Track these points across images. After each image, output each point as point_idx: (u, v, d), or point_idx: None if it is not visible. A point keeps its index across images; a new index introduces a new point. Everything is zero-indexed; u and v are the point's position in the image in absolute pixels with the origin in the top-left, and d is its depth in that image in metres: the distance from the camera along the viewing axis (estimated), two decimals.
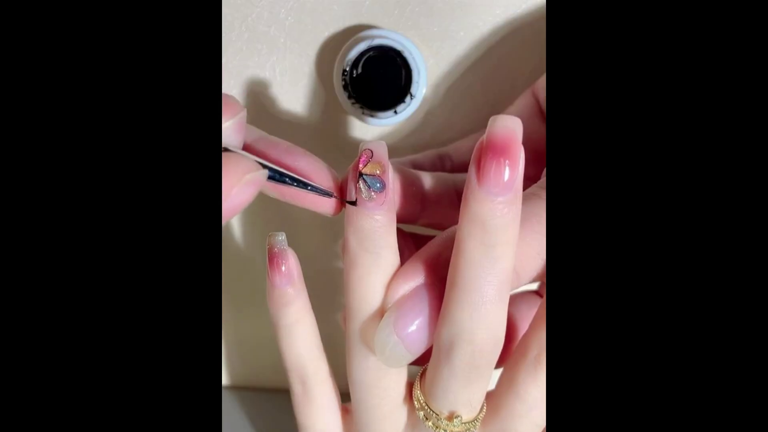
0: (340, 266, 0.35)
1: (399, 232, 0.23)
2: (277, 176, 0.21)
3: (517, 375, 0.23)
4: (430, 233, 0.26)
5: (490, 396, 0.24)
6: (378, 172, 0.21)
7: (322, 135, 0.32)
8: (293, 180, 0.22)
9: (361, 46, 0.28)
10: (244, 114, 0.21)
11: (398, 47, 0.28)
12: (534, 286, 0.31)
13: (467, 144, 0.30)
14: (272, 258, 0.25)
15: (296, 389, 0.27)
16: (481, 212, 0.20)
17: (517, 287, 0.22)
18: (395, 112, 0.29)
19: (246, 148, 0.22)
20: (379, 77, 0.29)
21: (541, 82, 0.28)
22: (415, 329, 0.22)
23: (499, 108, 0.31)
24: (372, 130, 0.32)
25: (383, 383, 0.24)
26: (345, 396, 0.27)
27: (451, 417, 0.23)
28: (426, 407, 0.24)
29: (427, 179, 0.26)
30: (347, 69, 0.29)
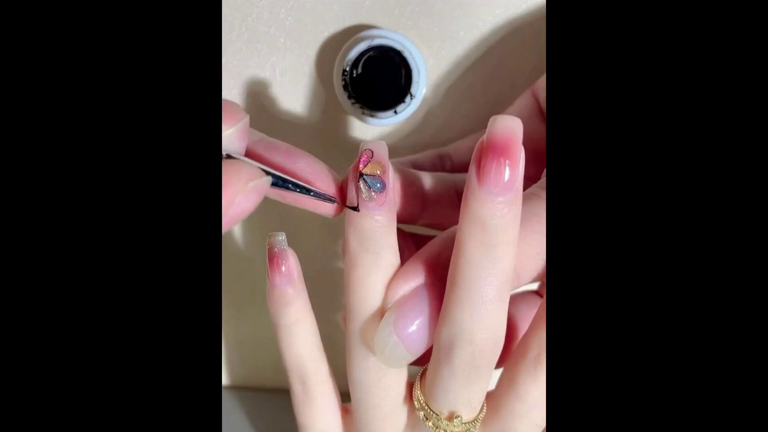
0: (340, 266, 0.35)
1: (399, 232, 0.23)
2: (280, 182, 0.21)
3: (517, 375, 0.23)
4: (430, 233, 0.26)
5: (490, 396, 0.24)
6: (378, 172, 0.21)
7: (322, 135, 0.32)
8: (296, 186, 0.22)
9: (361, 46, 0.28)
10: (246, 120, 0.21)
11: (398, 47, 0.28)
12: (534, 286, 0.31)
13: (467, 144, 0.30)
14: (272, 258, 0.24)
15: (296, 389, 0.27)
16: (481, 212, 0.20)
17: (517, 287, 0.22)
18: (395, 112, 0.29)
19: (247, 151, 0.22)
20: (379, 77, 0.29)
21: (541, 82, 0.28)
22: (415, 329, 0.22)
23: (499, 108, 0.31)
24: (372, 130, 0.32)
25: (383, 383, 0.24)
26: (345, 396, 0.27)
27: (451, 417, 0.23)
28: (426, 407, 0.24)
29: (427, 179, 0.26)
30: (347, 69, 0.29)
